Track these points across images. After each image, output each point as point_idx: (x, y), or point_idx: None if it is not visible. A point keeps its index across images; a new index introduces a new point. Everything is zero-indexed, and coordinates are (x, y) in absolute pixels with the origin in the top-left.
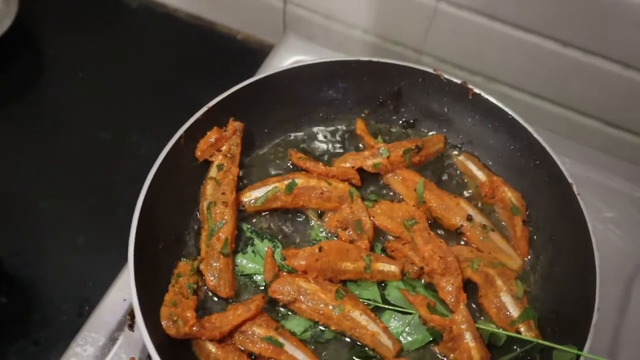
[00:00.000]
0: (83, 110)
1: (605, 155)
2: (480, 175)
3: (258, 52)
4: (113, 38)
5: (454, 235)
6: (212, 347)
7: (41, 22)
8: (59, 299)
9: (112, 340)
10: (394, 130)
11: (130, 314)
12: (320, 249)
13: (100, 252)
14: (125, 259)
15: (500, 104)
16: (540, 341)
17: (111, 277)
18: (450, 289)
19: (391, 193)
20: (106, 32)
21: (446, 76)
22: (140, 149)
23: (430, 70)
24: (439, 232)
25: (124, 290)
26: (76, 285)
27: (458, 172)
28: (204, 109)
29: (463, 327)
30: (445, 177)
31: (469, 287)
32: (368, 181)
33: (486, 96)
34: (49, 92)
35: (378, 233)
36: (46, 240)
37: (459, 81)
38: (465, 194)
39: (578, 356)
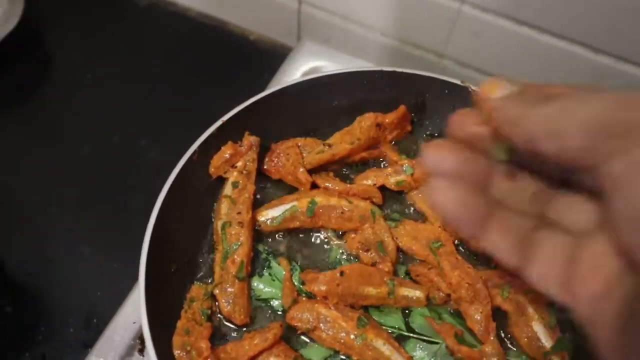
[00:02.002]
0: (91, 113)
1: None
2: None
3: (271, 53)
4: (121, 38)
5: (482, 257)
6: None
7: (48, 22)
8: (66, 310)
9: None
10: (417, 143)
11: (140, 338)
12: (341, 273)
13: (108, 261)
14: (134, 273)
15: None
16: None
17: (119, 287)
18: (478, 317)
19: (415, 212)
20: (115, 32)
21: (474, 88)
22: (149, 154)
23: (458, 82)
24: (464, 251)
25: (133, 312)
26: (84, 295)
27: None
28: (219, 122)
29: None
30: None
31: (498, 315)
32: (391, 199)
33: None
34: (56, 94)
35: (401, 255)
36: (53, 249)
37: None
38: None
39: None
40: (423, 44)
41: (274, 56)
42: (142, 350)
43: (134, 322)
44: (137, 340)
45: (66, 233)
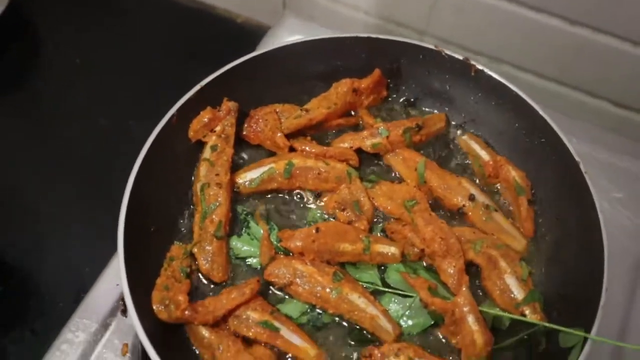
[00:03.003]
0: (80, 97)
1: (613, 134)
2: (484, 154)
3: (258, 36)
4: (110, 23)
5: (456, 216)
6: (205, 332)
7: (36, 9)
8: (56, 286)
9: (105, 326)
10: (394, 109)
11: (123, 299)
12: (317, 230)
13: (96, 238)
14: None
15: (504, 80)
16: (546, 324)
17: (108, 263)
18: (451, 271)
19: (392, 174)
20: (103, 16)
21: (448, 52)
22: (137, 135)
23: (431, 47)
24: (440, 212)
25: (116, 276)
26: (73, 272)
27: (461, 151)
28: (197, 87)
29: (465, 309)
30: (447, 157)
31: (472, 270)
32: (368, 161)
33: (489, 72)
34: (45, 79)
35: (378, 215)
36: (43, 229)
37: (460, 57)
38: (468, 174)
39: (585, 340)
40: (405, 22)
41: (261, 38)
42: (124, 311)
43: (117, 285)
44: (120, 302)
45: (56, 212)
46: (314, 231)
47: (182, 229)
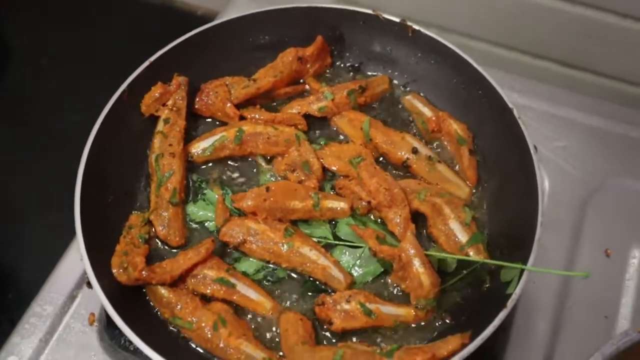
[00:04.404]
0: (51, 95)
1: (556, 88)
2: (427, 111)
3: None
4: (73, 22)
5: (402, 170)
6: (164, 292)
7: (2, 13)
8: (34, 277)
9: (71, 298)
10: (340, 75)
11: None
12: (267, 189)
13: (74, 229)
14: None
15: (439, 38)
16: (486, 260)
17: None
18: (398, 220)
19: (340, 137)
20: (66, 16)
21: (385, 16)
22: None
23: (369, 11)
24: (387, 168)
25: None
26: (50, 263)
27: (405, 111)
28: (146, 63)
29: (411, 253)
30: (392, 117)
31: (420, 221)
32: (317, 126)
33: (425, 32)
34: (15, 80)
35: (328, 176)
36: (21, 222)
37: (397, 19)
38: (413, 131)
39: (522, 271)
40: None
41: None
42: (90, 283)
43: (82, 259)
44: (86, 275)
45: (34, 205)
46: (264, 190)
47: (140, 200)
